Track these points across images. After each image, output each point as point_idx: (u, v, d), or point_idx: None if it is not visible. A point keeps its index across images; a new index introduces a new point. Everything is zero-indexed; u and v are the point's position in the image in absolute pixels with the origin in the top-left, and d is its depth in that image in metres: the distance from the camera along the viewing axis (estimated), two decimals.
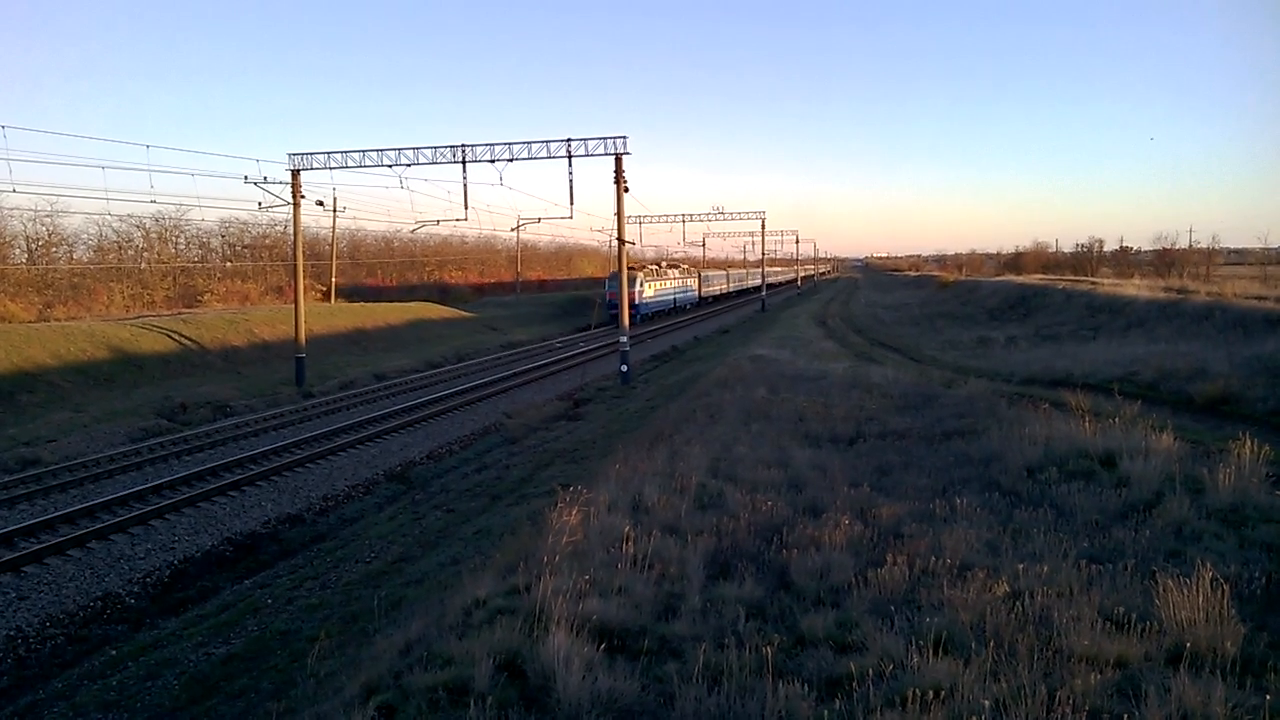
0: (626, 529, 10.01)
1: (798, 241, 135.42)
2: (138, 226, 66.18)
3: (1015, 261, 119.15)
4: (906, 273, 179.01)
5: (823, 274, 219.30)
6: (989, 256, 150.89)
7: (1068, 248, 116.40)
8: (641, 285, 70.75)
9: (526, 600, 8.24)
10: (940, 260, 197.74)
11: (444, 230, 55.87)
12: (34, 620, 14.25)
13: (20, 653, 13.34)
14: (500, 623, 7.83)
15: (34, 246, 60.91)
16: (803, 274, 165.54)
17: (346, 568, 15.69)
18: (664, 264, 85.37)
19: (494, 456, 24.52)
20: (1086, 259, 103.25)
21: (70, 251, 63.73)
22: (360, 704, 6.89)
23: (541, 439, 26.06)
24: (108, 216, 63.42)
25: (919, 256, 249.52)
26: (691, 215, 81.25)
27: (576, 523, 10.39)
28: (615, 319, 55.43)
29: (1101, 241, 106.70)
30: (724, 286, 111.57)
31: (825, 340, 44.98)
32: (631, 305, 58.18)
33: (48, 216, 58.33)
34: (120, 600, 15.27)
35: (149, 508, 19.39)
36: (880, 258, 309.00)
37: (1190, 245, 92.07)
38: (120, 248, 67.01)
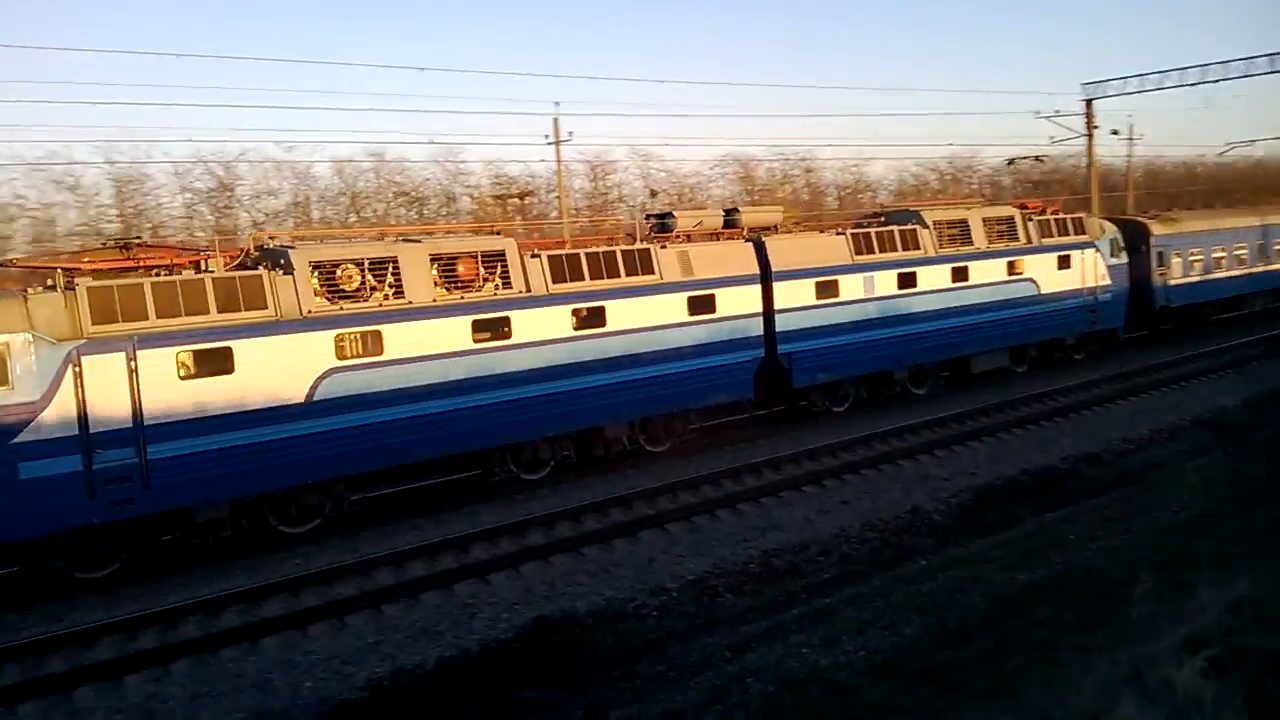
0: None
1: None
2: (933, 170, 70.82)
3: None
4: None
5: None
6: None
7: None
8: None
9: None
10: None
11: (1258, 151, 48.79)
12: (855, 524, 16.22)
13: (844, 549, 15.37)
14: None
15: (842, 194, 70.36)
16: None
17: (1153, 514, 14.89)
18: None
19: None
20: None
21: (874, 195, 71.59)
22: (1187, 654, 6.56)
23: None
24: (907, 161, 69.61)
25: None
26: None
27: None
28: None
29: None
30: None
31: None
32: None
33: (855, 165, 66.27)
34: (928, 516, 16.61)
35: (949, 432, 20.73)
36: None
37: None
38: (918, 191, 72.43)
